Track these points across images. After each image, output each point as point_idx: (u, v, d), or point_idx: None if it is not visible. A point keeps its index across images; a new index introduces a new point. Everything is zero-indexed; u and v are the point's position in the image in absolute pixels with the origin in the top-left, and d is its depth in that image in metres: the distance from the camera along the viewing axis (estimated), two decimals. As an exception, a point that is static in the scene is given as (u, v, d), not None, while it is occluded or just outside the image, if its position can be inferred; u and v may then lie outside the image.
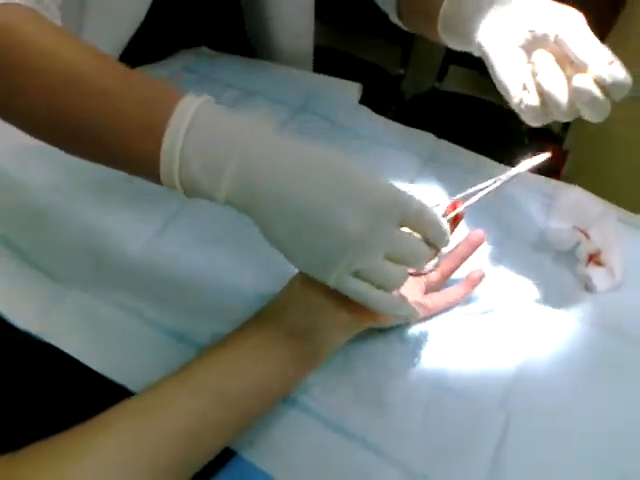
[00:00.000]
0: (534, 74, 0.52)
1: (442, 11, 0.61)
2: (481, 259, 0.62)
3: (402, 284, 0.45)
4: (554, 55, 0.52)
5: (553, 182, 0.72)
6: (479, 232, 0.56)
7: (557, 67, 0.51)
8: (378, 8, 0.78)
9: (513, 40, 0.54)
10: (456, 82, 1.62)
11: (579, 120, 0.52)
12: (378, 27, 0.99)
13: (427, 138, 0.78)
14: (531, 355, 0.54)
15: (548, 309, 0.59)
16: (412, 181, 0.72)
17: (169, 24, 0.83)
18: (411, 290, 0.55)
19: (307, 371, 0.48)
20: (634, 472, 0.46)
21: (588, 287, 0.61)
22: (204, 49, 0.89)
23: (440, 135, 0.79)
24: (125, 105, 0.42)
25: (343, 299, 0.47)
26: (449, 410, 0.49)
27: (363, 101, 0.85)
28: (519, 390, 0.51)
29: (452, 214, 0.49)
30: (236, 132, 0.42)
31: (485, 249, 0.63)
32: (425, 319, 0.56)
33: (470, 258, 0.57)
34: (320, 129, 0.77)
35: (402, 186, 0.43)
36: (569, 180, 0.74)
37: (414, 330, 0.55)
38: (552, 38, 0.51)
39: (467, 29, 0.58)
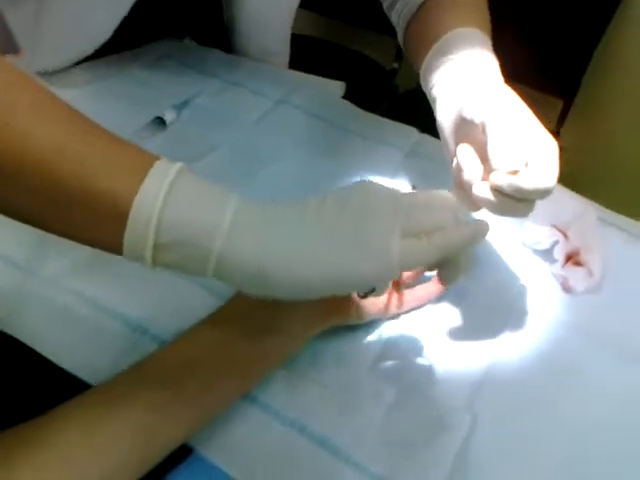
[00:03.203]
0: (458, 169, 0.49)
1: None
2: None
3: None
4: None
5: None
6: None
7: (471, 171, 0.48)
8: (373, 1, 0.76)
9: (448, 116, 0.52)
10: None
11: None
12: (373, 20, 0.97)
13: (410, 132, 0.77)
14: (500, 356, 0.53)
15: (522, 309, 0.57)
16: (393, 175, 0.71)
17: (153, 14, 0.81)
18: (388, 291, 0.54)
19: (269, 368, 0.47)
20: (598, 475, 0.45)
21: (565, 288, 0.60)
22: (187, 41, 0.88)
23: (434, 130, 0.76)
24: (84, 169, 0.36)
25: None
26: (414, 411, 0.48)
27: (356, 94, 0.84)
28: (486, 391, 0.50)
29: None
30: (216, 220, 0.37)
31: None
32: (395, 317, 0.55)
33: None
34: (300, 122, 0.76)
35: (382, 180, 0.42)
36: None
37: (383, 329, 0.54)
38: (479, 127, 0.48)
39: (426, 84, 0.57)
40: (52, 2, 0.66)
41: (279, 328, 0.46)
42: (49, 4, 0.66)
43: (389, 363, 0.51)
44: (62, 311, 0.51)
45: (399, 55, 1.63)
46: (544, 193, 0.46)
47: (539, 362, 0.53)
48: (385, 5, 0.73)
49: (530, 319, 0.57)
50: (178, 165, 0.37)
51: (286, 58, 0.90)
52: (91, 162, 0.36)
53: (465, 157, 0.49)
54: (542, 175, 0.46)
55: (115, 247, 0.37)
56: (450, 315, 0.56)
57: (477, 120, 0.48)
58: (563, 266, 0.61)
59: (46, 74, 0.73)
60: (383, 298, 0.53)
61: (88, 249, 0.51)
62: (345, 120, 0.77)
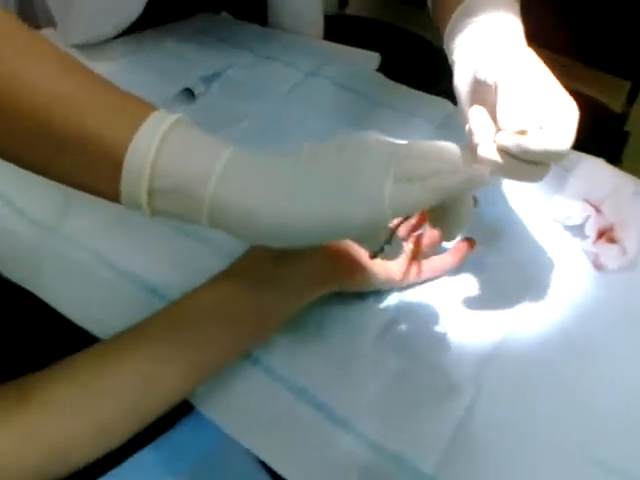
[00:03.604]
0: (470, 133, 0.47)
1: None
2: (481, 229, 0.59)
3: None
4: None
5: (572, 153, 0.67)
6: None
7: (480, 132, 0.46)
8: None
9: (464, 79, 0.50)
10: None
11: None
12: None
13: (442, 104, 0.75)
14: (515, 330, 0.51)
15: (545, 284, 0.55)
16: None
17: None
18: (401, 261, 0.52)
19: (270, 325, 0.47)
20: (608, 457, 0.43)
21: (597, 265, 0.57)
22: (224, 14, 0.89)
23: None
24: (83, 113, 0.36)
25: (317, 253, 0.46)
26: (416, 382, 0.47)
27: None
28: (496, 364, 0.48)
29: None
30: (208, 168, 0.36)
31: (488, 219, 0.60)
32: (408, 287, 0.53)
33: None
34: (330, 93, 0.76)
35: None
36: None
37: (394, 298, 0.52)
38: (493, 88, 0.46)
39: (448, 49, 0.54)
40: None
41: (281, 284, 0.46)
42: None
43: (397, 332, 0.50)
44: (78, 269, 0.52)
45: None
46: (555, 156, 0.44)
47: (559, 339, 0.50)
48: None
49: (554, 295, 0.54)
50: (175, 116, 0.37)
51: (320, 29, 0.89)
52: (88, 109, 0.36)
53: (476, 118, 0.47)
54: (553, 137, 0.43)
55: (114, 195, 0.37)
56: (466, 287, 0.54)
57: (490, 80, 0.46)
58: (595, 242, 0.58)
59: (82, 47, 0.75)
60: (393, 265, 0.51)
61: (107, 210, 0.53)
62: (376, 92, 0.76)
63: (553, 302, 0.53)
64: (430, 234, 0.54)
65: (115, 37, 0.78)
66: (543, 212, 0.61)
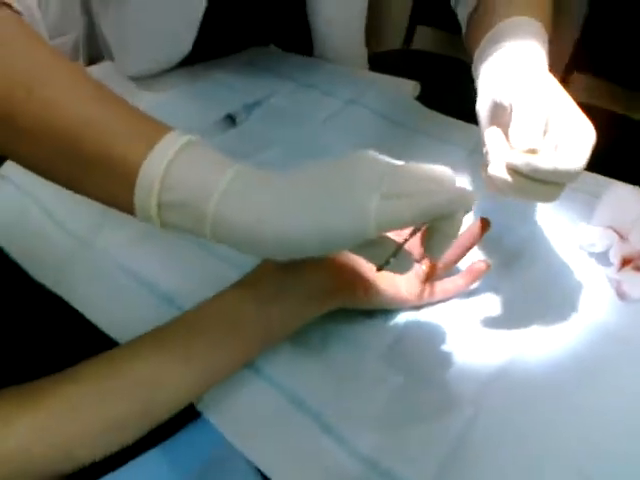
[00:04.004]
0: (486, 154, 0.48)
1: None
2: (499, 253, 0.59)
3: None
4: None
5: (600, 179, 0.65)
6: (482, 220, 0.53)
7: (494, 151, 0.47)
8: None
9: (484, 103, 0.51)
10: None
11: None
12: None
13: (474, 130, 0.75)
14: (523, 353, 0.50)
15: (562, 310, 0.53)
16: (455, 172, 0.70)
17: (237, 24, 0.87)
18: (409, 279, 0.53)
19: (274, 336, 0.48)
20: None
21: (619, 293, 0.55)
22: (272, 47, 0.93)
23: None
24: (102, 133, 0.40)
25: (320, 268, 0.48)
26: (415, 399, 0.47)
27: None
28: (499, 386, 0.47)
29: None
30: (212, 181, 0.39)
31: (508, 243, 0.60)
32: (416, 308, 0.53)
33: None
34: (366, 120, 0.78)
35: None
36: None
37: (402, 317, 0.53)
38: (508, 109, 0.47)
39: (475, 76, 0.56)
40: (128, 11, 0.74)
41: (285, 297, 0.48)
42: (126, 13, 0.74)
43: (401, 351, 0.50)
44: (106, 278, 0.56)
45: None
46: (566, 176, 0.44)
47: (570, 363, 0.49)
48: (452, 1, 0.73)
49: (570, 319, 0.53)
50: (187, 137, 0.40)
51: (363, 60, 0.92)
52: (111, 132, 0.40)
53: (491, 139, 0.48)
54: (564, 156, 0.43)
55: (130, 208, 0.41)
56: (477, 308, 0.54)
57: (506, 102, 0.47)
58: (619, 270, 0.56)
59: (137, 78, 0.81)
60: (402, 284, 0.52)
61: (138, 226, 0.57)
62: (411, 119, 0.77)
63: (568, 326, 0.52)
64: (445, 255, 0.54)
65: (168, 70, 0.84)
66: (568, 239, 0.60)
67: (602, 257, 0.58)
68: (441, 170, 0.41)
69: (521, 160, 0.43)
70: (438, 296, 0.54)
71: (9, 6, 0.41)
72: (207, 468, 0.46)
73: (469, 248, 0.54)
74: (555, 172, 0.43)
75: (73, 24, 0.84)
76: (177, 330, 0.47)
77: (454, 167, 0.68)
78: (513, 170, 0.44)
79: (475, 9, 0.66)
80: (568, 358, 0.50)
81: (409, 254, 0.44)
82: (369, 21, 2.06)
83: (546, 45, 0.54)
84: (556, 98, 0.47)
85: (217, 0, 0.76)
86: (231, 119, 0.76)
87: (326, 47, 0.89)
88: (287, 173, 0.40)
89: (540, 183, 0.44)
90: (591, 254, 0.58)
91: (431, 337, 0.52)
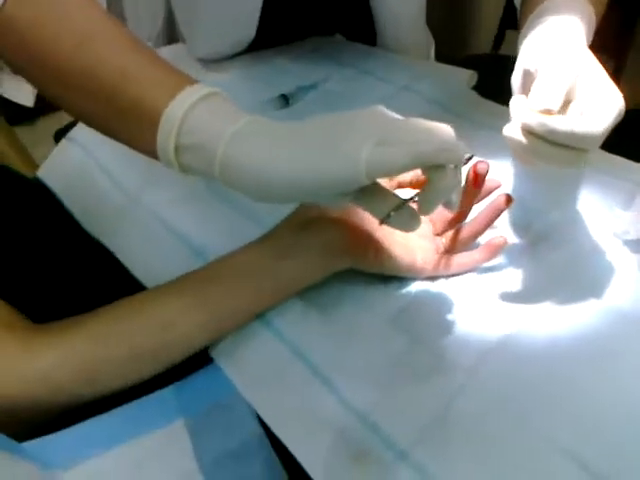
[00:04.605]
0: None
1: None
2: (532, 232, 0.58)
3: None
4: None
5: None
6: (505, 196, 0.53)
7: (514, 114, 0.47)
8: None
9: (517, 75, 0.52)
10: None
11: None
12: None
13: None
14: (526, 330, 0.49)
15: (582, 292, 0.52)
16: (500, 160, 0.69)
17: (305, 13, 0.91)
18: (426, 250, 0.54)
19: (283, 291, 0.51)
20: (593, 460, 0.40)
21: (650, 282, 0.53)
22: (338, 37, 0.96)
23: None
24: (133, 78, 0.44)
25: (333, 227, 0.50)
26: (413, 362, 0.48)
27: None
28: (493, 360, 0.47)
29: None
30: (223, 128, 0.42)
31: (540, 223, 0.59)
32: (433, 279, 0.54)
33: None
34: (419, 106, 0.78)
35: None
36: None
37: (415, 286, 0.54)
38: (534, 75, 0.48)
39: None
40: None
41: (295, 252, 0.50)
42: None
43: (408, 317, 0.51)
44: (146, 232, 0.61)
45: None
46: (584, 141, 0.43)
47: (575, 344, 0.48)
48: None
49: (587, 303, 0.51)
50: (209, 89, 0.44)
51: (425, 50, 0.93)
52: (142, 81, 0.44)
53: (514, 103, 0.48)
54: (585, 120, 0.43)
55: (155, 153, 0.45)
56: (494, 285, 0.54)
57: (533, 69, 0.48)
58: (651, 258, 0.53)
59: (204, 61, 0.87)
60: (418, 253, 0.53)
61: (182, 187, 0.61)
62: (462, 107, 0.77)
63: (584, 308, 0.51)
64: (465, 230, 0.54)
65: (234, 55, 0.89)
66: (603, 225, 0.58)
67: (636, 245, 0.55)
68: (440, 125, 0.41)
69: (536, 120, 0.43)
70: (454, 269, 0.54)
71: None
72: (212, 410, 0.49)
73: (489, 224, 0.54)
74: (572, 135, 0.42)
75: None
76: (196, 278, 0.51)
77: (500, 154, 0.69)
78: (528, 132, 0.44)
79: None
80: (575, 338, 0.48)
81: (413, 212, 0.44)
82: (459, 25, 2.06)
83: (591, 20, 0.54)
84: (585, 66, 0.47)
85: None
86: (285, 99, 0.79)
87: (388, 37, 0.90)
88: (298, 121, 0.43)
89: (557, 147, 0.43)
90: (625, 242, 0.56)
91: (440, 306, 0.52)
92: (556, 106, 0.44)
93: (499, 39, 1.72)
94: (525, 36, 0.54)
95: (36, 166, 0.74)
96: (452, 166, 0.41)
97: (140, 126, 0.44)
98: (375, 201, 0.44)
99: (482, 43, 1.90)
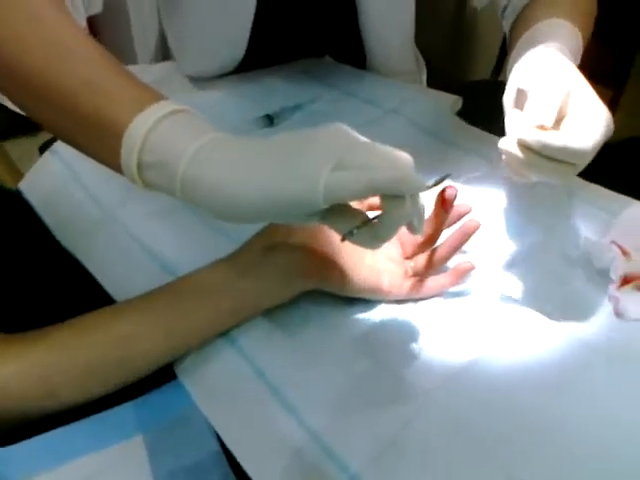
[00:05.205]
0: None
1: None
2: (505, 256, 0.58)
3: None
4: None
5: (622, 198, 0.63)
6: (474, 221, 0.53)
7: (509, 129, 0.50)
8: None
9: (509, 96, 0.54)
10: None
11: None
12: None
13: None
14: (489, 357, 0.49)
15: (549, 318, 0.52)
16: (484, 185, 0.70)
17: (293, 35, 0.92)
18: (393, 273, 0.54)
19: (248, 310, 0.51)
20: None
21: (616, 311, 0.53)
22: (327, 59, 0.97)
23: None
24: (105, 92, 0.44)
25: (298, 248, 0.50)
26: (372, 385, 0.47)
27: None
28: (453, 386, 0.47)
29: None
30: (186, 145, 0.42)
31: (514, 247, 0.60)
32: (400, 302, 0.54)
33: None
34: (402, 129, 0.79)
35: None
36: None
37: (380, 309, 0.54)
38: (527, 93, 0.50)
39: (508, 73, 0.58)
40: (186, 17, 0.80)
41: (258, 272, 0.50)
42: (184, 19, 0.81)
43: (371, 340, 0.51)
44: (120, 249, 0.61)
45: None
46: (576, 155, 0.45)
47: (538, 371, 0.48)
48: (499, 13, 0.76)
49: (553, 329, 0.51)
50: (175, 105, 0.44)
51: (415, 75, 0.94)
52: (107, 95, 0.44)
53: (509, 118, 0.50)
54: (576, 136, 0.45)
55: (118, 168, 0.45)
56: (460, 310, 0.54)
57: (526, 87, 0.50)
58: (619, 287, 0.53)
59: (194, 79, 0.88)
60: (385, 276, 0.53)
61: (158, 204, 0.61)
62: (446, 132, 0.78)
63: (550, 335, 0.51)
64: (429, 257, 0.54)
65: (224, 74, 0.90)
66: (576, 253, 0.58)
67: (606, 274, 0.55)
68: (399, 153, 0.41)
69: (531, 135, 0.45)
70: (421, 293, 0.54)
71: None
72: (170, 426, 0.48)
73: (458, 248, 0.54)
74: (565, 150, 0.45)
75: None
76: (160, 295, 0.51)
77: (484, 180, 0.69)
78: (524, 146, 0.46)
79: (516, 19, 0.71)
80: (539, 366, 0.48)
81: (377, 230, 0.43)
82: (459, 50, 2.07)
83: (578, 43, 0.57)
84: (575, 85, 0.49)
85: (266, 9, 0.81)
86: (269, 118, 0.80)
87: (377, 61, 0.91)
88: (260, 139, 0.42)
89: (550, 160, 0.46)
90: (597, 271, 0.56)
91: (405, 330, 0.52)
92: (550, 122, 0.46)
93: (499, 65, 1.73)
94: (516, 60, 0.56)
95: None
96: (409, 195, 0.41)
97: (105, 141, 0.44)
98: (339, 218, 0.44)
99: (482, 69, 1.92)
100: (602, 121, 0.46)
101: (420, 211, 0.43)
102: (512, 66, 0.56)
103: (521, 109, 0.50)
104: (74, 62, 0.45)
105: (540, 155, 0.46)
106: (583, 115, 0.47)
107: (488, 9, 0.83)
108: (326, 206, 0.40)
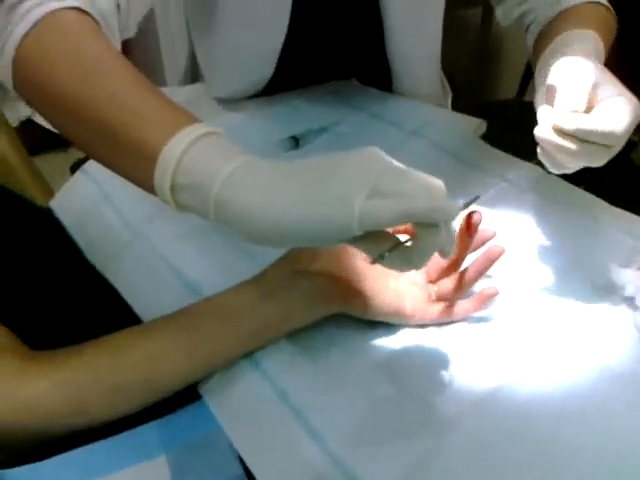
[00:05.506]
0: None
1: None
2: (529, 283, 0.58)
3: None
4: None
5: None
6: (499, 247, 0.53)
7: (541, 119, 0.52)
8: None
9: (539, 98, 0.56)
10: None
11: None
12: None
13: (532, 169, 0.74)
14: (514, 384, 0.49)
15: (574, 346, 0.52)
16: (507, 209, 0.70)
17: (318, 56, 0.93)
18: (416, 297, 0.54)
19: (271, 333, 0.51)
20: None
21: (644, 340, 0.52)
22: (354, 81, 0.98)
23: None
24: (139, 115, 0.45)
25: (323, 272, 0.51)
26: (397, 411, 0.47)
27: None
28: (478, 413, 0.47)
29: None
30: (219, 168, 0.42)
31: (540, 274, 0.59)
32: (424, 326, 0.54)
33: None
34: (425, 151, 0.79)
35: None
36: None
37: (404, 333, 0.54)
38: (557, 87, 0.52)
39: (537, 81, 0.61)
40: (216, 40, 0.82)
41: (282, 296, 0.50)
42: (213, 42, 0.82)
43: (396, 365, 0.51)
44: (148, 268, 0.62)
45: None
46: (607, 137, 0.48)
47: (564, 401, 0.47)
48: (524, 29, 0.79)
49: (578, 358, 0.51)
50: (207, 128, 0.44)
51: (441, 100, 0.94)
52: (142, 118, 0.45)
53: (541, 111, 0.52)
54: (607, 116, 0.48)
55: (152, 189, 0.45)
56: (484, 336, 0.53)
57: (555, 83, 0.52)
58: (646, 315, 0.53)
59: (222, 100, 0.90)
60: (407, 299, 0.53)
61: (190, 224, 0.62)
62: (469, 154, 0.78)
63: (575, 363, 0.50)
64: (455, 281, 0.54)
65: (252, 95, 0.92)
66: (602, 280, 0.57)
67: (633, 302, 0.55)
68: (433, 180, 0.41)
69: (566, 119, 0.48)
70: (444, 317, 0.54)
71: (79, 9, 0.50)
72: (194, 448, 0.49)
73: (482, 273, 0.54)
74: (598, 131, 0.48)
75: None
76: (181, 317, 0.52)
77: (509, 203, 0.69)
78: (559, 131, 0.49)
79: (540, 34, 0.74)
80: (566, 394, 0.48)
81: (410, 256, 0.43)
82: (484, 70, 2.07)
83: (601, 50, 0.60)
84: (602, 76, 0.52)
85: (296, 33, 0.82)
86: (295, 140, 0.81)
87: (403, 84, 0.92)
88: (291, 162, 0.43)
89: (585, 143, 0.49)
90: (623, 298, 0.56)
91: (429, 355, 0.52)
92: (581, 106, 0.49)
93: (524, 85, 1.73)
94: (543, 65, 0.59)
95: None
96: (443, 222, 0.41)
97: (138, 162, 0.45)
98: (369, 241, 0.43)
99: (507, 88, 1.91)
100: (632, 105, 0.49)
101: (453, 237, 0.44)
102: (539, 71, 0.60)
103: (551, 106, 0.52)
104: (110, 83, 0.46)
105: (575, 139, 0.49)
106: (613, 100, 0.50)
107: (513, 28, 0.84)
108: (360, 233, 0.40)
